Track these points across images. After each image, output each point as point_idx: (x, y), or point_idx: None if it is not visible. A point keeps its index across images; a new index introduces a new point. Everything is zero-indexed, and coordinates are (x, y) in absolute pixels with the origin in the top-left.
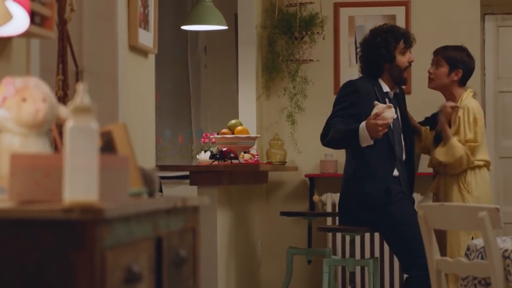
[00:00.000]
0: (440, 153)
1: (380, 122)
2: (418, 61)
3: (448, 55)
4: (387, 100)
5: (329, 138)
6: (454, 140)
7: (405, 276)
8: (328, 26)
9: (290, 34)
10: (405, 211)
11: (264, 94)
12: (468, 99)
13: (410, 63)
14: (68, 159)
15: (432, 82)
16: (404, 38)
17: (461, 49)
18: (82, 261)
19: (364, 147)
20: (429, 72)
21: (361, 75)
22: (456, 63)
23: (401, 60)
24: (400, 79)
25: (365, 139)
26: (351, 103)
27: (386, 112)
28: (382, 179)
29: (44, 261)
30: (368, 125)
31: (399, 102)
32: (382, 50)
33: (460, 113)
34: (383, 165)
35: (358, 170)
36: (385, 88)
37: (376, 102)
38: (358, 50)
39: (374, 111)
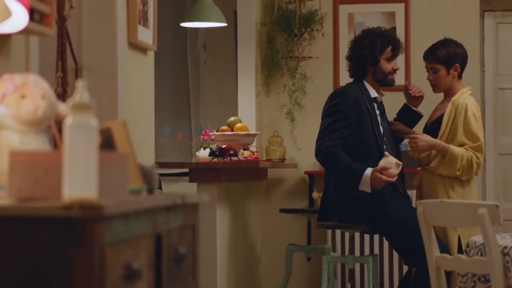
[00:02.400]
0: (441, 167)
1: (384, 178)
2: (417, 59)
3: (439, 56)
4: (375, 105)
5: (331, 164)
6: (452, 149)
7: (413, 270)
8: (327, 23)
9: (289, 31)
10: (403, 208)
11: (263, 91)
12: (464, 96)
13: (394, 70)
14: (67, 156)
15: (437, 88)
16: (392, 44)
17: (448, 43)
18: (82, 258)
19: (354, 154)
20: (429, 80)
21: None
22: (450, 60)
23: (385, 65)
24: (385, 82)
25: (365, 185)
26: (343, 113)
27: (393, 169)
28: None
29: (43, 258)
30: (373, 176)
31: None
32: (367, 52)
33: (460, 111)
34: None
35: None
36: (373, 93)
37: (386, 153)
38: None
39: (382, 163)
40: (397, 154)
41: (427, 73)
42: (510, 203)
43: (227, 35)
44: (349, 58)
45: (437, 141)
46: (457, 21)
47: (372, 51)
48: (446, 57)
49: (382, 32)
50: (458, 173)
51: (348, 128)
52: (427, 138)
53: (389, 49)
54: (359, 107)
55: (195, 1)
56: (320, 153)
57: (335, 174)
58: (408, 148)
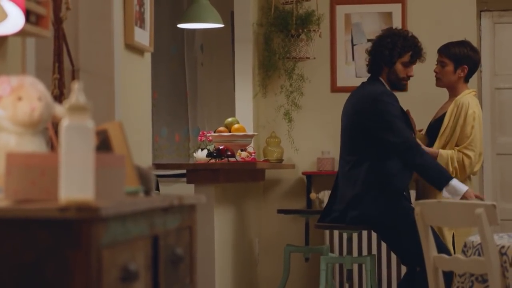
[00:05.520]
0: None
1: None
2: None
3: (451, 52)
4: None
5: (420, 164)
6: (441, 154)
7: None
8: (324, 23)
9: (286, 32)
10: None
11: (260, 92)
12: (467, 96)
13: (409, 76)
14: (63, 158)
15: (440, 82)
16: (413, 51)
17: (464, 45)
18: (78, 260)
19: (386, 162)
20: (435, 72)
21: (360, 76)
22: (460, 60)
23: (400, 69)
24: (397, 86)
25: (454, 192)
26: (398, 111)
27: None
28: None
29: (40, 260)
30: (469, 192)
31: None
32: (386, 51)
33: (461, 109)
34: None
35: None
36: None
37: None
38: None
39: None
40: None
41: (435, 65)
42: (507, 203)
43: (224, 36)
44: (369, 53)
45: (425, 148)
46: (454, 21)
47: (390, 51)
48: (458, 55)
49: (406, 35)
50: (453, 176)
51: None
52: None
53: (408, 54)
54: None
55: (192, 2)
56: (408, 151)
57: (425, 170)
58: None
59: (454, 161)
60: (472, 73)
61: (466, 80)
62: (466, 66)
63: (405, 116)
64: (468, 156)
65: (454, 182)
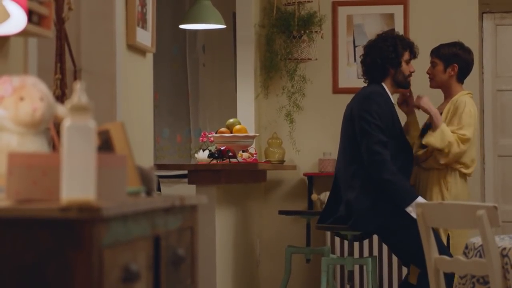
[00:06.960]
0: (431, 139)
1: None
2: (416, 60)
3: (441, 52)
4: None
5: (388, 180)
6: (444, 126)
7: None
8: (326, 24)
9: (288, 33)
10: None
11: (262, 93)
12: (464, 96)
13: (411, 73)
14: (65, 158)
15: (432, 82)
16: (410, 48)
17: (454, 44)
18: (80, 260)
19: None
20: (427, 73)
21: (362, 78)
22: (449, 59)
23: (405, 68)
24: (404, 84)
25: (413, 211)
26: (384, 115)
27: None
28: None
29: (41, 260)
30: None
31: None
32: (392, 54)
33: (458, 106)
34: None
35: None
36: (392, 98)
37: None
38: (362, 53)
39: None
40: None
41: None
42: (509, 205)
43: (226, 37)
44: (367, 61)
45: (437, 111)
46: (456, 23)
47: (396, 53)
48: (447, 54)
49: (399, 35)
50: (445, 148)
51: (385, 129)
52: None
53: (407, 52)
54: (392, 109)
55: (194, 3)
56: (373, 160)
57: (392, 189)
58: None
59: (451, 138)
60: (464, 72)
61: (460, 80)
62: (456, 65)
63: (395, 120)
64: (459, 146)
65: (419, 199)
